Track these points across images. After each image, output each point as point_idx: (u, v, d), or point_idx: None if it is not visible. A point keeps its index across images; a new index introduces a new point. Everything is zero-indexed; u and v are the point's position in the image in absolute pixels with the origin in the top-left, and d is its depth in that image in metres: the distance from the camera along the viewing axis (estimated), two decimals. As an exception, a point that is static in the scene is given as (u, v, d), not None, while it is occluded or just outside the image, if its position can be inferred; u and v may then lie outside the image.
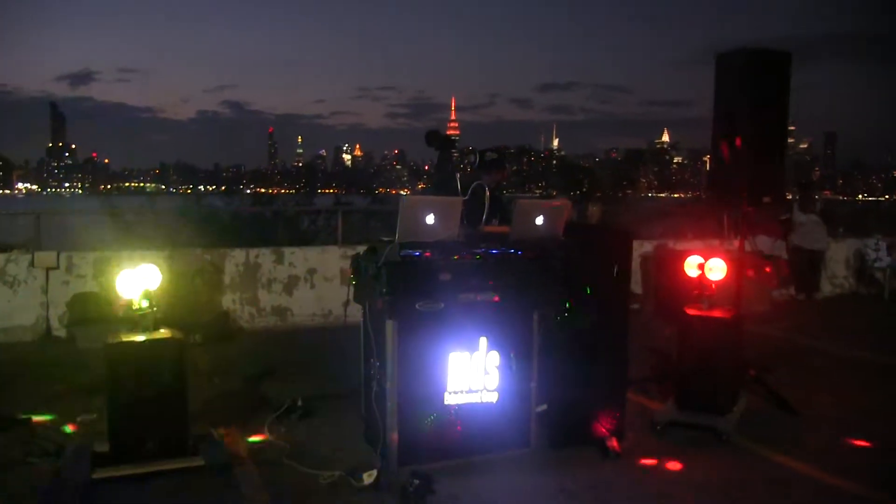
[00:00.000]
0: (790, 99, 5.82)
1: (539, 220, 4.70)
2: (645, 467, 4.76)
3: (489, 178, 5.62)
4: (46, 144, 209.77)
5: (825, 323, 9.85)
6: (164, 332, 4.56)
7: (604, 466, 4.74)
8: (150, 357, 4.45)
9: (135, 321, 4.57)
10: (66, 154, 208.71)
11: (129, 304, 4.59)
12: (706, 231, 11.34)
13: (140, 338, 4.48)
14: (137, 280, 4.56)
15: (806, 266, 11.36)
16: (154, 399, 4.43)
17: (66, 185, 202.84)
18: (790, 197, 11.60)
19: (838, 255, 12.46)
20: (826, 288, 12.16)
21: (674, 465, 4.78)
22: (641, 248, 10.52)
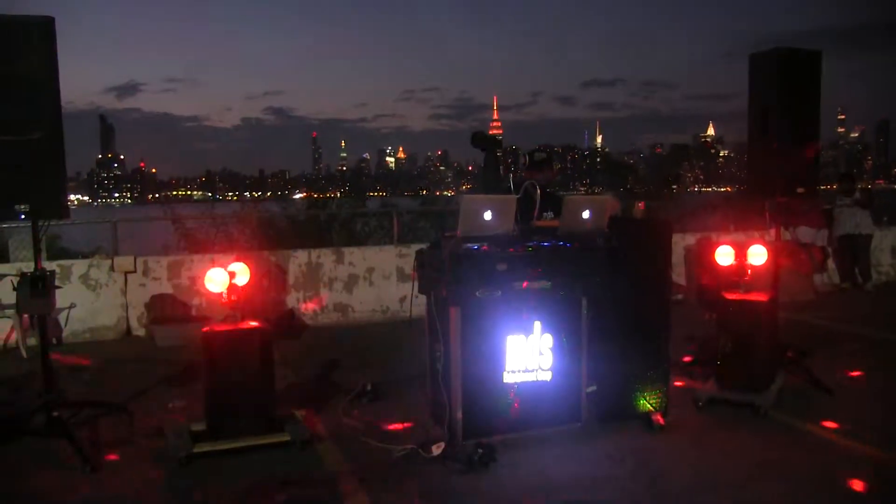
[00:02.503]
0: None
1: (586, 215, 5.15)
2: (685, 437, 5.19)
3: (540, 176, 6.10)
4: (96, 156, 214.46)
5: (867, 311, 10.07)
6: (253, 322, 5.11)
7: (647, 437, 5.19)
8: (242, 344, 5.00)
9: (225, 313, 5.13)
10: (115, 164, 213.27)
11: (219, 298, 5.15)
12: (748, 222, 11.65)
13: (232, 327, 5.03)
14: (226, 276, 5.12)
15: (848, 253, 11.49)
16: (245, 381, 4.99)
17: (116, 195, 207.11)
18: (831, 187, 11.80)
19: (884, 244, 12.57)
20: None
21: (712, 436, 5.20)
22: (684, 240, 10.88)
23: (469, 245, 4.90)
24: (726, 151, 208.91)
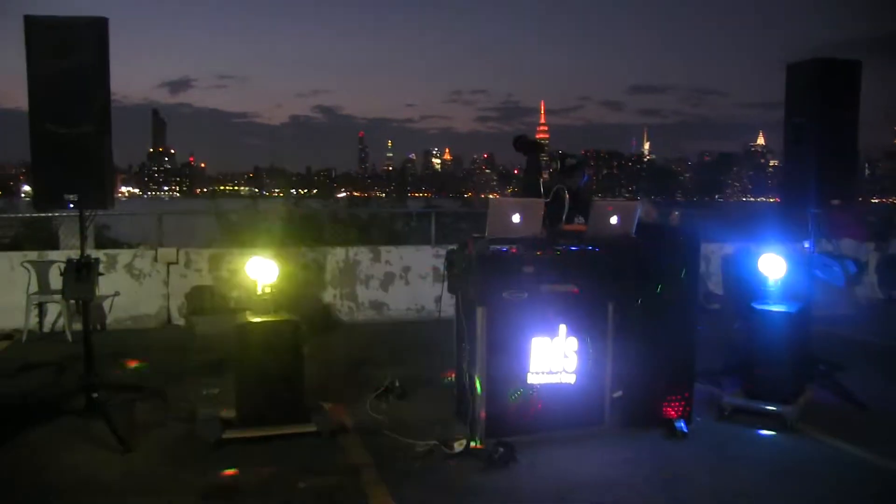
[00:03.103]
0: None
1: (613, 220, 5.22)
2: (707, 445, 5.22)
3: (571, 181, 6.16)
4: (148, 149, 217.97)
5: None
6: (285, 316, 5.27)
7: (669, 443, 5.23)
8: (274, 336, 5.17)
9: (258, 305, 5.30)
10: (166, 158, 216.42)
11: (253, 290, 5.32)
12: (791, 233, 11.52)
13: (265, 319, 5.19)
14: (261, 270, 5.30)
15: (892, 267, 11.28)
16: (275, 372, 5.15)
17: (165, 188, 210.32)
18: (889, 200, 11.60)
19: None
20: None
21: (735, 445, 5.21)
22: (722, 250, 10.82)
23: (497, 247, 5.00)
24: (777, 161, 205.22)
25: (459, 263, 5.26)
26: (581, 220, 5.92)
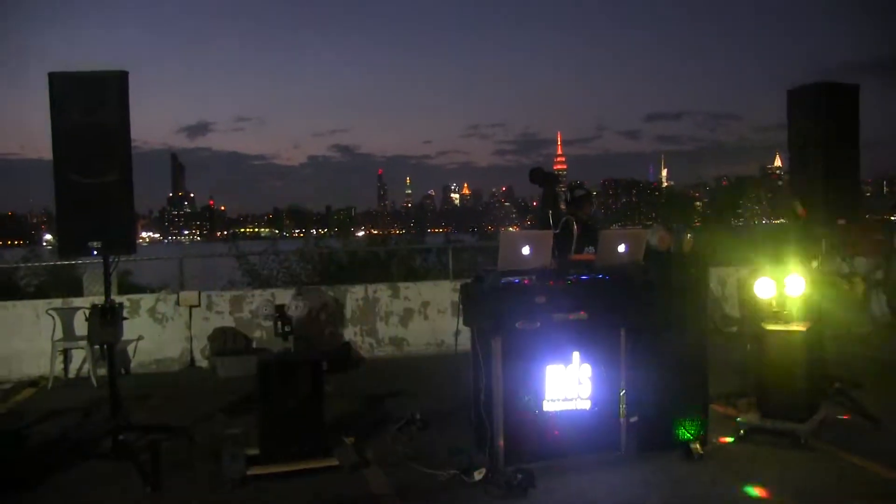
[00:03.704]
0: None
1: (621, 248, 5.33)
2: (723, 465, 5.27)
3: (581, 211, 6.30)
4: (167, 194, 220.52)
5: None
6: (306, 353, 5.41)
7: (686, 465, 5.29)
8: (294, 373, 5.31)
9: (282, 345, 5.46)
10: (186, 202, 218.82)
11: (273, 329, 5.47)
12: (805, 253, 11.52)
13: (288, 358, 5.34)
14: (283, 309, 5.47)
15: None
16: (297, 409, 5.28)
17: (186, 232, 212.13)
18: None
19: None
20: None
21: (751, 465, 5.26)
22: (738, 272, 10.88)
23: (509, 279, 5.12)
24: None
25: (474, 296, 5.38)
26: (591, 249, 6.04)
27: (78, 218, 5.44)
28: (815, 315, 6.14)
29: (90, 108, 5.37)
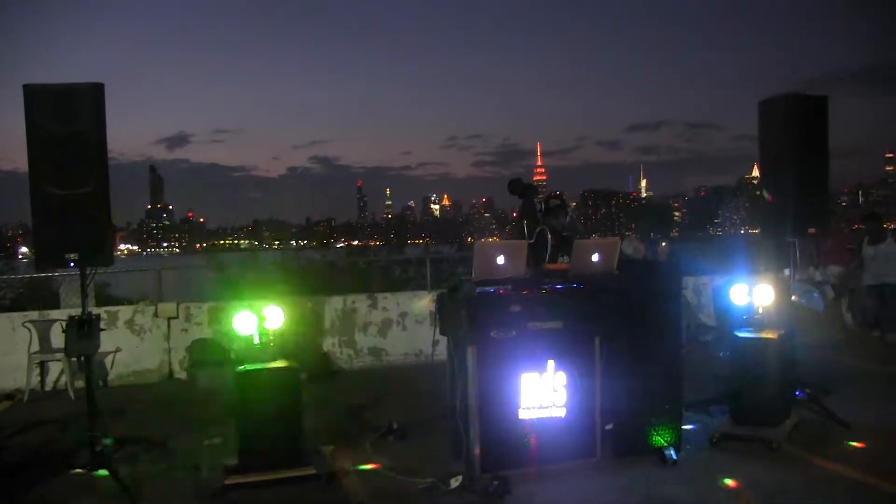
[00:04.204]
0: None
1: (595, 257, 5.41)
2: (697, 471, 5.36)
3: (556, 221, 6.38)
4: (146, 206, 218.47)
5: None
6: (282, 363, 5.44)
7: (660, 471, 5.37)
8: (272, 383, 5.34)
9: (257, 354, 5.47)
10: (164, 215, 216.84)
11: (250, 339, 5.49)
12: (778, 262, 11.67)
13: (264, 367, 5.36)
14: (254, 319, 5.49)
15: (877, 302, 11.12)
16: (274, 418, 5.30)
17: (165, 244, 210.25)
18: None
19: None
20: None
21: (724, 469, 5.34)
22: (713, 282, 11.00)
23: (484, 288, 5.18)
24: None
25: (449, 306, 5.44)
26: (566, 259, 6.12)
27: (54, 230, 5.43)
28: (786, 322, 6.25)
29: (66, 120, 5.37)
